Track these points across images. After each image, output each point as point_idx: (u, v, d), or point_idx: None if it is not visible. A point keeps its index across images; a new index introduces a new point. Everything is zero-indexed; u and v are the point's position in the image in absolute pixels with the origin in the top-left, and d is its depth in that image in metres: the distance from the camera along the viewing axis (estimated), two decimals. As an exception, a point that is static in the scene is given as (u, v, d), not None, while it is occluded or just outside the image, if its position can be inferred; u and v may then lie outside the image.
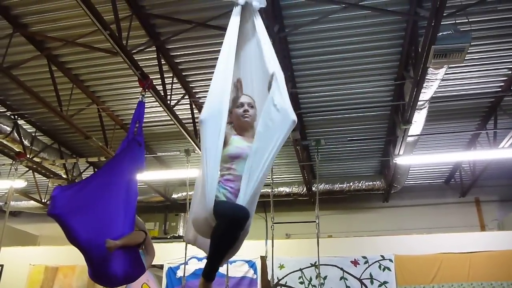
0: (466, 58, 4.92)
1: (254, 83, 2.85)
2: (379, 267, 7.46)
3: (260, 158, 2.38)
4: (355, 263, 7.55)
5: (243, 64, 2.90)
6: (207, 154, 2.37)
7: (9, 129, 7.19)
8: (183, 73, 6.38)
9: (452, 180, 10.00)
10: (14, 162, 7.35)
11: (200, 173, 2.47)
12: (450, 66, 5.32)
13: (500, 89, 6.62)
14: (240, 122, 2.67)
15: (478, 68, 6.17)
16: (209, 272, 2.30)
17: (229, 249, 2.37)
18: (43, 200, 10.18)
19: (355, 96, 6.83)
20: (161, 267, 8.05)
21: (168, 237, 9.99)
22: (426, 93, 5.69)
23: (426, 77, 5.30)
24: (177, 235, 9.93)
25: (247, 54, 2.91)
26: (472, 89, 6.64)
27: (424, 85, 5.43)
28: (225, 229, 2.25)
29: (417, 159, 7.98)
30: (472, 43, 4.81)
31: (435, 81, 5.46)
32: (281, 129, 2.42)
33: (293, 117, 2.43)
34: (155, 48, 5.72)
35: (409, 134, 6.76)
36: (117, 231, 2.86)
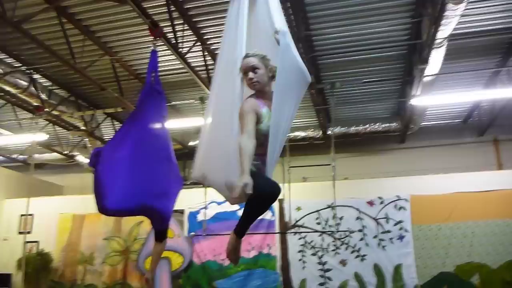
0: (487, -9, 4.69)
1: (262, 39, 2.71)
2: (395, 207, 7.61)
3: (280, 127, 2.44)
4: (371, 203, 7.72)
5: (255, 22, 2.79)
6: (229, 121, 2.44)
7: (25, 83, 7.27)
8: (194, 20, 6.26)
9: (470, 119, 9.86)
10: (33, 116, 7.51)
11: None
12: (469, 1, 5.09)
13: (523, 23, 6.35)
14: (252, 89, 2.58)
15: (498, 2, 5.87)
16: (241, 231, 2.49)
17: (261, 215, 2.53)
18: (65, 152, 10.47)
19: (370, 36, 6.64)
20: (182, 212, 8.37)
21: (188, 183, 10.22)
22: (445, 31, 5.49)
23: (445, 13, 5.09)
24: (196, 181, 10.18)
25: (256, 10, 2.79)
26: (493, 25, 6.37)
27: (443, 22, 5.23)
28: (262, 203, 2.39)
29: (434, 100, 7.85)
30: (494, -25, 4.58)
31: (454, 18, 5.24)
32: (296, 90, 2.47)
33: (309, 78, 2.47)
34: (164, -5, 5.60)
35: (426, 74, 6.62)
36: (165, 179, 2.95)
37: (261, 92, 2.54)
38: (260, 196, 2.32)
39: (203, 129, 2.75)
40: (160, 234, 3.43)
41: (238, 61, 2.52)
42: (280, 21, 2.55)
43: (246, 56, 2.54)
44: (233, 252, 2.54)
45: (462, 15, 5.38)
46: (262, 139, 2.43)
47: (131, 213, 2.94)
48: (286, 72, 2.40)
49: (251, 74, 2.50)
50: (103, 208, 2.73)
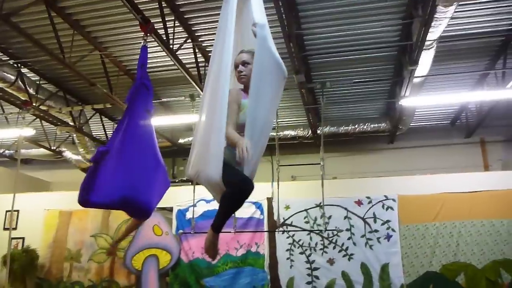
0: (477, -6, 4.75)
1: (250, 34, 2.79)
2: (383, 206, 7.67)
3: (257, 117, 2.48)
4: (359, 203, 7.76)
5: (245, 18, 2.85)
6: (213, 112, 2.51)
7: (13, 77, 7.17)
8: (185, 16, 6.23)
9: (458, 121, 9.98)
10: (20, 110, 7.41)
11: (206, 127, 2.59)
12: (460, 3, 5.15)
13: (511, 27, 6.43)
14: (240, 82, 2.73)
15: (488, 6, 5.95)
16: (218, 226, 2.56)
17: (237, 210, 2.59)
18: (52, 147, 10.36)
19: (361, 36, 6.67)
20: (171, 209, 8.34)
21: (177, 181, 10.23)
22: (434, 33, 5.55)
23: (435, 16, 5.14)
24: (185, 178, 10.15)
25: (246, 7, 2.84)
26: (482, 28, 6.45)
27: (433, 24, 5.29)
28: (234, 199, 2.47)
29: (423, 101, 7.93)
30: (484, -22, 4.63)
31: (444, 20, 5.30)
32: (272, 83, 2.50)
33: (285, 72, 2.51)
34: (155, -9, 5.56)
35: (415, 75, 6.67)
36: (150, 173, 2.93)
37: (248, 87, 2.62)
38: (230, 190, 2.42)
39: (197, 126, 2.78)
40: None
41: (226, 57, 2.56)
42: (259, 14, 2.57)
43: (241, 52, 2.71)
44: (211, 247, 2.59)
45: (452, 18, 5.44)
46: (241, 129, 2.54)
47: (111, 205, 2.91)
48: (261, 64, 2.46)
49: (240, 67, 2.67)
50: (84, 200, 2.71)
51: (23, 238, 8.70)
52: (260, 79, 2.46)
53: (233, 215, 6.51)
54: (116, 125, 10.04)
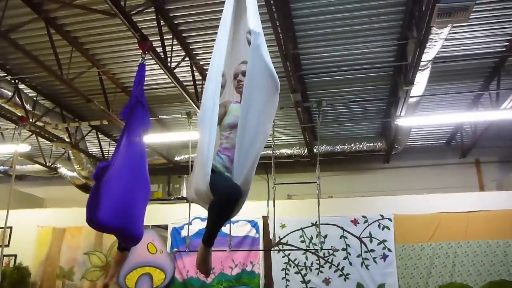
0: (470, 17, 4.82)
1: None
2: (379, 226, 7.63)
3: (247, 123, 2.41)
4: (355, 222, 7.73)
5: (242, 31, 2.86)
6: (202, 126, 2.45)
7: (10, 93, 7.18)
8: (183, 35, 6.30)
9: (453, 141, 10.03)
10: (17, 126, 7.40)
11: (199, 143, 2.51)
12: (454, 25, 5.23)
13: (504, 49, 6.53)
14: (238, 92, 2.75)
15: (482, 28, 6.06)
16: (208, 239, 2.46)
17: (226, 220, 2.52)
18: (47, 164, 10.30)
19: (357, 57, 6.75)
20: (165, 227, 8.27)
21: (172, 198, 10.18)
22: (429, 53, 5.63)
23: (430, 37, 5.22)
24: (180, 196, 10.11)
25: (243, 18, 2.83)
26: (476, 49, 6.55)
27: (427, 45, 5.36)
28: (220, 206, 2.39)
29: (418, 120, 7.98)
30: (477, 2, 4.72)
31: (439, 41, 5.38)
32: (265, 91, 2.42)
33: (277, 83, 2.41)
34: (154, 9, 5.62)
35: (411, 95, 6.74)
36: (138, 195, 2.90)
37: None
38: (217, 198, 2.35)
39: (196, 155, 2.70)
40: (126, 246, 3.37)
41: (217, 68, 2.54)
42: (254, 22, 2.51)
43: (242, 62, 2.74)
44: (203, 263, 2.50)
45: (447, 39, 5.52)
46: (227, 131, 2.61)
47: (111, 231, 2.89)
48: (253, 71, 2.40)
49: (240, 77, 2.69)
50: (95, 221, 2.67)
51: (15, 255, 8.57)
52: (252, 86, 2.40)
53: (228, 233, 6.47)
54: (112, 142, 10.05)
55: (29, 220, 8.79)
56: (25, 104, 7.49)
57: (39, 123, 8.05)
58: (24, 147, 8.76)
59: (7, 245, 8.49)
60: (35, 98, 7.95)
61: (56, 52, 6.26)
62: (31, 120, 7.68)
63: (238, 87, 2.72)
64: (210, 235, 2.45)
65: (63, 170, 10.47)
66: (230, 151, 2.55)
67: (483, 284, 7.08)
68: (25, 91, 7.74)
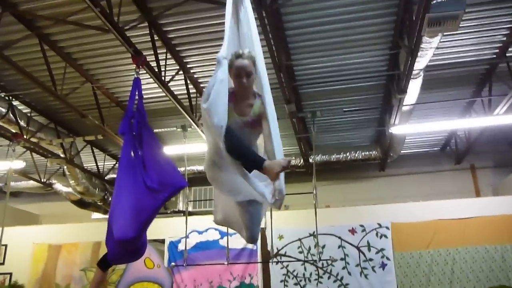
0: (460, 25, 4.89)
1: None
2: (376, 234, 7.62)
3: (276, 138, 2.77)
4: (352, 231, 7.72)
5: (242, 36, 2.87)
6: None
7: (4, 110, 7.15)
8: (177, 48, 6.32)
9: (448, 147, 10.09)
10: (11, 143, 7.37)
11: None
12: (444, 34, 5.30)
13: (495, 56, 6.61)
14: (240, 90, 2.62)
15: (472, 36, 6.14)
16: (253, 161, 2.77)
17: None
18: (42, 180, 10.24)
19: (350, 66, 6.81)
20: (162, 241, 8.21)
21: (169, 212, 10.12)
22: (421, 62, 5.68)
23: (421, 46, 5.27)
24: (177, 210, 10.06)
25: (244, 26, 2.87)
26: (467, 57, 6.63)
27: (419, 53, 5.42)
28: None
29: (412, 128, 8.02)
30: (466, 10, 4.78)
31: (430, 50, 5.44)
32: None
33: None
34: (147, 24, 5.65)
35: (404, 103, 6.78)
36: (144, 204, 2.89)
37: (242, 95, 2.63)
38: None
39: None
40: (107, 264, 3.30)
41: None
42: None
43: (241, 56, 2.55)
44: None
45: (438, 48, 5.59)
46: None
47: (130, 244, 2.85)
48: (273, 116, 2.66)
49: (245, 79, 2.54)
50: (127, 236, 2.65)
51: (10, 274, 8.47)
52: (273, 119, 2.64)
53: (225, 246, 6.43)
54: (107, 156, 10.01)
55: (24, 237, 8.70)
56: (19, 121, 7.46)
57: (33, 139, 8.01)
58: (19, 164, 8.70)
59: (2, 263, 8.42)
60: (29, 114, 7.93)
61: (50, 68, 6.26)
62: (25, 136, 7.64)
63: (242, 87, 2.57)
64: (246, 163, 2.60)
65: (58, 186, 10.39)
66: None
67: (482, 291, 7.08)
68: (19, 107, 7.72)
